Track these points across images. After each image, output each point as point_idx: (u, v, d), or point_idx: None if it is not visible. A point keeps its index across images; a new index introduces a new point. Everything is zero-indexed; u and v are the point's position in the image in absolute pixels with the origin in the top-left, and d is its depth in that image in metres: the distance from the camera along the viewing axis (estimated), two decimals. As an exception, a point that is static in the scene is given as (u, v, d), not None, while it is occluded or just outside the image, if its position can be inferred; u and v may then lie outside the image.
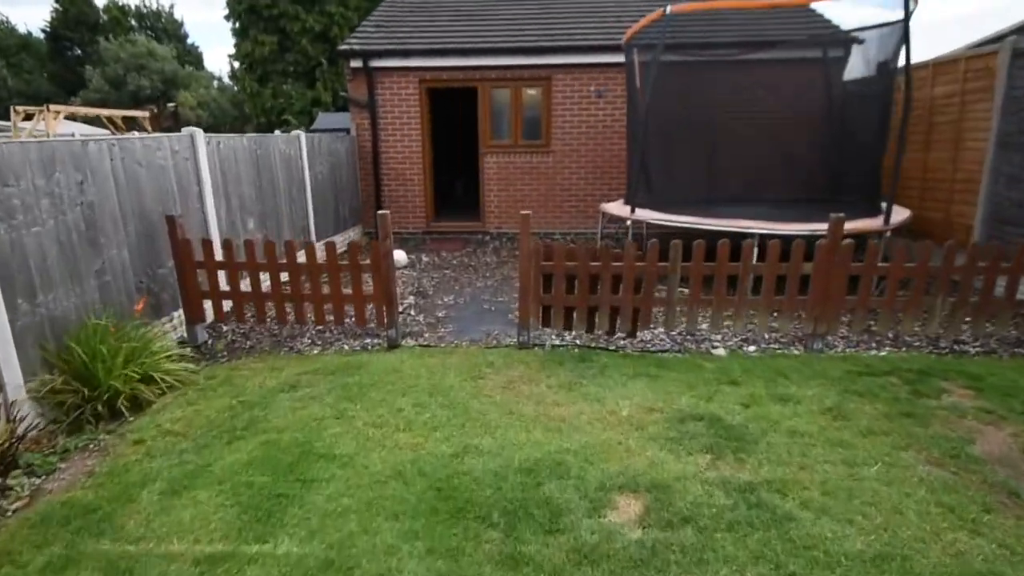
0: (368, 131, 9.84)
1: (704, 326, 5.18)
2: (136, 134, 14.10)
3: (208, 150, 5.88)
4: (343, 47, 9.56)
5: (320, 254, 6.05)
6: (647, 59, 7.86)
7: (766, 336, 5.07)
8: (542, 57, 9.31)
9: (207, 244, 5.07)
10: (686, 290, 4.79)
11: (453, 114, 13.32)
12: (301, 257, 5.10)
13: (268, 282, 5.23)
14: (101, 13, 41.96)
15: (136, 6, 42.73)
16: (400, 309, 6.32)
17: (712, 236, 7.06)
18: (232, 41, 21.80)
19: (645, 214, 6.98)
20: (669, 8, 6.45)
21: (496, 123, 9.87)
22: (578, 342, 5.15)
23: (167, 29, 43.91)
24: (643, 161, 7.39)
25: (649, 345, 5.09)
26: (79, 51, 41.85)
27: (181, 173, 5.50)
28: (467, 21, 10.43)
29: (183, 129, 5.84)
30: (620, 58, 9.15)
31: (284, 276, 5.22)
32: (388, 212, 4.96)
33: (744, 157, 7.97)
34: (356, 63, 9.51)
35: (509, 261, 8.50)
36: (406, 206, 10.20)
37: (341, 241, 9.24)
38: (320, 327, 5.50)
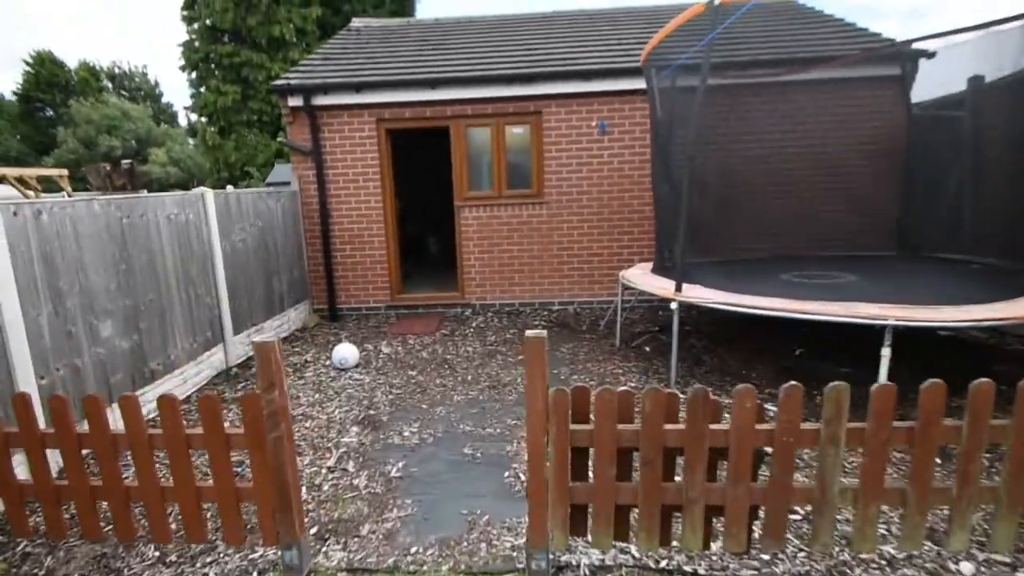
0: (313, 184, 7.52)
1: (883, 534, 2.76)
2: (58, 196, 11.70)
3: (12, 225, 3.48)
4: (278, 82, 7.32)
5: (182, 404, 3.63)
6: (667, 84, 5.72)
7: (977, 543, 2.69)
8: (530, 86, 7.15)
9: (-66, 407, 2.59)
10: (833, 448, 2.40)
11: (422, 159, 11.12)
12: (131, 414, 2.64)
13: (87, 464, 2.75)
14: (72, 75, 39.94)
15: (108, 67, 40.82)
16: (331, 463, 3.84)
17: (808, 327, 4.84)
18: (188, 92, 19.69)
19: (700, 293, 4.65)
20: (717, -2, 4.29)
21: (474, 169, 7.62)
22: (635, 554, 2.72)
23: (141, 88, 41.98)
24: (689, 217, 5.11)
25: (771, 566, 2.67)
26: (51, 112, 39.57)
27: (-63, 268, 3.07)
28: (435, 50, 8.30)
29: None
30: (625, 84, 7.06)
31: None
32: (275, 342, 2.50)
33: (836, 205, 5.77)
34: (295, 101, 7.26)
35: (499, 351, 6.09)
36: (365, 275, 7.81)
37: (277, 327, 6.78)
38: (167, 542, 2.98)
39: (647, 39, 6.01)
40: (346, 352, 5.65)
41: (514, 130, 7.46)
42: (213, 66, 18.18)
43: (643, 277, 5.63)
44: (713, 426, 2.28)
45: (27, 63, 38.19)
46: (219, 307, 5.60)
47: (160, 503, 2.66)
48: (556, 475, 2.38)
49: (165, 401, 2.55)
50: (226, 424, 2.60)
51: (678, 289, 4.70)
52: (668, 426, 2.31)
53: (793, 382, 2.21)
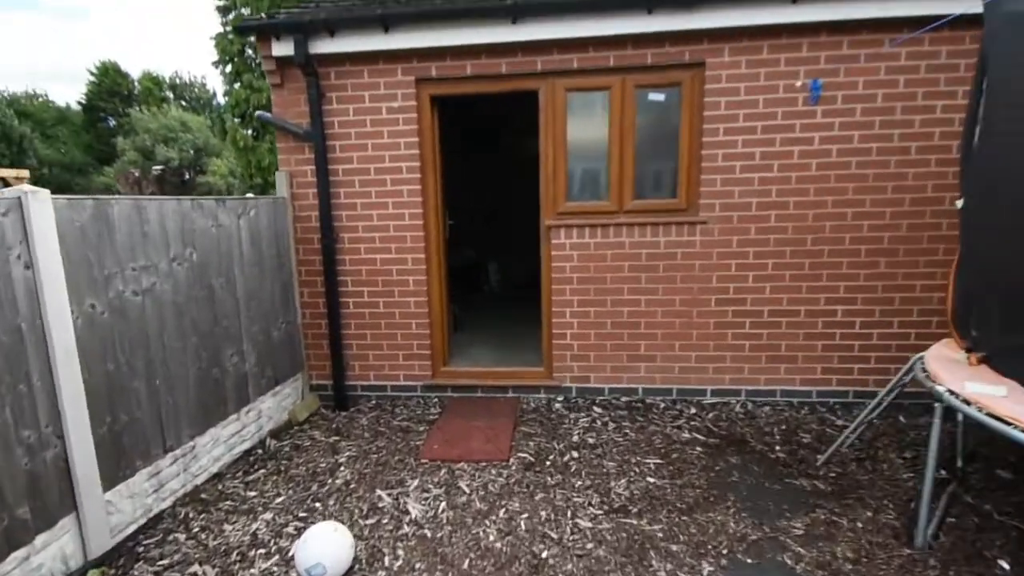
0: (312, 187, 4.47)
1: None
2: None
3: None
4: (252, 21, 4.32)
5: None
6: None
7: None
8: (687, 15, 3.88)
9: None
10: None
11: (483, 145, 7.99)
12: None
13: None
14: (136, 84, 39.37)
15: (170, 78, 40.15)
16: None
17: None
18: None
19: None
20: None
21: (578, 165, 4.39)
22: None
23: (201, 98, 41.11)
24: None
25: None
26: (112, 122, 39.05)
27: None
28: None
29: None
30: (864, 11, 3.73)
31: None
32: None
33: None
34: (282, 49, 4.24)
35: (646, 532, 2.78)
36: (392, 335, 4.68)
37: (230, 440, 3.70)
38: None
39: None
40: (321, 548, 2.48)
41: (651, 96, 4.18)
42: (248, 61, 15.79)
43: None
44: None
45: (92, 73, 37.84)
46: (62, 441, 2.55)
47: None
48: None
49: None
50: None
51: None
52: None
53: None
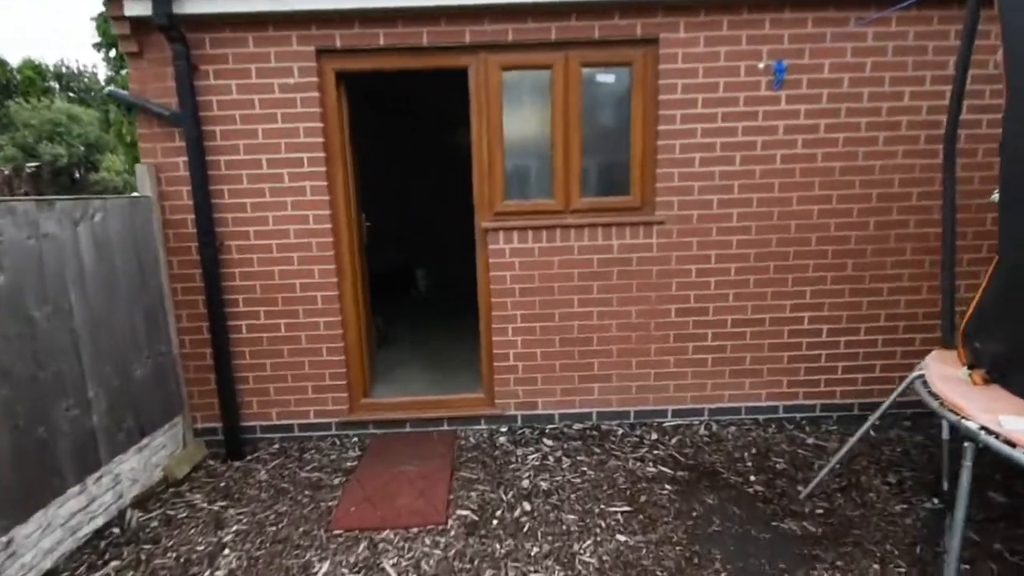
0: (186, 184, 3.50)
1: None
2: None
3: None
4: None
5: None
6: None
7: None
8: (638, -18, 3.29)
9: None
10: None
11: (402, 135, 7.16)
12: None
13: None
14: (15, 73, 34.63)
15: (55, 65, 35.65)
16: None
17: None
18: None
19: None
20: None
21: (516, 157, 3.70)
22: None
23: (91, 90, 36.85)
24: None
25: None
26: (-13, 115, 34.12)
27: None
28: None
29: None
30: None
31: None
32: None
33: None
34: (138, 7, 3.23)
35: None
36: (297, 364, 3.79)
37: (70, 522, 2.71)
38: None
39: None
40: None
41: (599, 77, 3.56)
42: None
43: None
44: None
45: (-40, 60, 32.82)
46: None
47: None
48: None
49: None
50: None
51: None
52: None
53: None
